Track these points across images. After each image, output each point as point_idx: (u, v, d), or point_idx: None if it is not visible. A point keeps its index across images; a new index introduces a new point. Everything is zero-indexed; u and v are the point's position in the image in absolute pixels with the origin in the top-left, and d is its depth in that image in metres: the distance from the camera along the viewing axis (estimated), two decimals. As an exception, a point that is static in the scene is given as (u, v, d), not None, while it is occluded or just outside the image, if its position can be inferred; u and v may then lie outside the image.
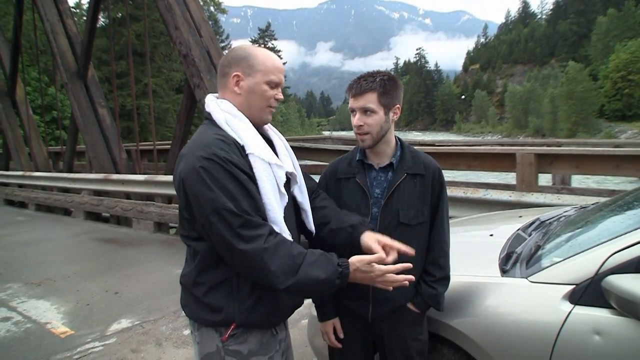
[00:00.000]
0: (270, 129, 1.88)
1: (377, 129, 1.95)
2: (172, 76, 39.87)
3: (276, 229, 1.60)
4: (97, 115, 11.17)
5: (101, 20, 39.26)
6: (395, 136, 2.09)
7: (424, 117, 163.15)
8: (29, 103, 14.90)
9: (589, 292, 1.92)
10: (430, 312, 2.16)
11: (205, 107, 1.75)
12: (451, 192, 5.00)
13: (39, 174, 12.94)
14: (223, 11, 56.78)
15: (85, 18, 18.39)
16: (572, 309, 1.92)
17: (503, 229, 3.02)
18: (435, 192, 2.05)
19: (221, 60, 1.76)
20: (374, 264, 1.64)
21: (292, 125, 70.84)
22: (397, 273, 1.66)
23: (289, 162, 1.80)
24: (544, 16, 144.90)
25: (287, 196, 1.70)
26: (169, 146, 9.85)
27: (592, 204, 3.41)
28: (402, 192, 1.99)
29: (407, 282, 1.67)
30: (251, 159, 1.61)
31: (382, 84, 1.92)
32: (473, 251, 2.71)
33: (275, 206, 1.62)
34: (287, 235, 1.64)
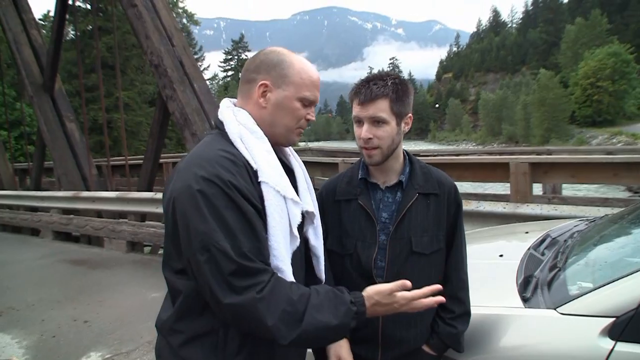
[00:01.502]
0: (292, 155, 1.58)
1: (388, 143, 1.64)
2: (145, 89, 39.25)
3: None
4: (65, 129, 10.72)
5: (71, 33, 38.80)
6: (403, 150, 1.79)
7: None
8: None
9: (633, 326, 1.64)
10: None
11: (219, 113, 1.45)
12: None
13: (4, 192, 12.37)
14: (196, 23, 56.37)
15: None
16: (613, 346, 1.64)
17: (512, 247, 2.76)
18: (451, 213, 1.75)
19: (247, 63, 1.47)
20: (395, 293, 1.38)
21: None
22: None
23: (308, 198, 1.50)
24: (514, 25, 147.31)
25: (299, 239, 1.39)
26: (142, 161, 9.45)
27: (601, 217, 3.18)
28: (414, 216, 1.69)
29: (437, 302, 1.43)
30: (264, 188, 1.30)
31: (395, 89, 1.62)
32: (484, 275, 2.41)
33: (282, 251, 1.30)
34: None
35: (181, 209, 1.22)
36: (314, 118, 1.48)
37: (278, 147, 1.48)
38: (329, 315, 1.26)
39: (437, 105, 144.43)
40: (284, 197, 1.32)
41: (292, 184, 1.41)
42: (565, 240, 2.57)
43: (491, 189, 10.25)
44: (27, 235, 11.43)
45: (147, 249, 8.89)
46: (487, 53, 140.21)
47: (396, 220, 1.68)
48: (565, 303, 1.82)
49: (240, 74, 1.48)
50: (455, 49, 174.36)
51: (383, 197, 1.74)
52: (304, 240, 1.50)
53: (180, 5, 51.86)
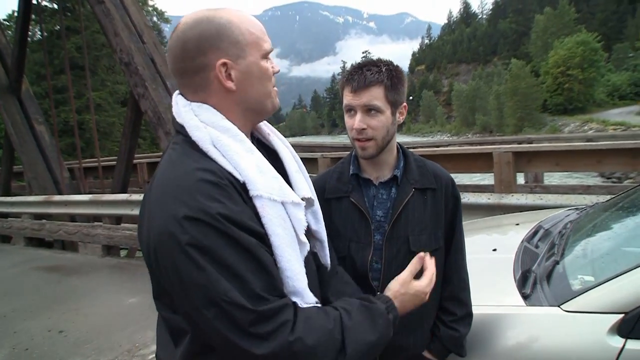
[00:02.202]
0: (272, 134, 1.33)
1: (383, 134, 1.52)
2: (117, 89, 38.55)
3: (298, 301, 1.09)
4: (34, 132, 10.37)
5: (38, 34, 37.85)
6: (396, 142, 1.67)
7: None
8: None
9: (643, 322, 1.56)
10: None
11: (174, 114, 1.16)
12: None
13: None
14: (166, 21, 55.58)
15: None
16: (624, 344, 1.55)
17: (505, 241, 2.67)
18: (449, 209, 1.64)
19: (175, 50, 1.12)
20: (414, 280, 1.32)
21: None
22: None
23: (302, 182, 1.26)
24: (484, 16, 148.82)
25: (308, 244, 1.17)
26: (115, 162, 9.19)
27: (592, 205, 3.12)
28: (410, 213, 1.56)
29: None
30: (258, 203, 1.06)
31: (390, 76, 1.49)
32: (480, 272, 2.29)
33: (297, 270, 1.09)
34: (311, 299, 1.14)
35: (169, 263, 0.98)
36: (278, 67, 1.23)
37: (256, 127, 1.27)
38: (369, 334, 1.12)
39: (410, 98, 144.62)
40: (283, 203, 1.10)
41: (280, 170, 1.20)
42: (559, 232, 2.48)
43: (468, 180, 10.23)
44: (-3, 242, 11.06)
45: (123, 253, 8.65)
46: (458, 44, 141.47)
47: (392, 219, 1.56)
48: (569, 300, 1.73)
49: (173, 69, 1.16)
50: (427, 41, 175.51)
51: (377, 193, 1.62)
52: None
53: (150, 3, 51.12)
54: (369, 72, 1.48)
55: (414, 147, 9.35)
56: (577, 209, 3.14)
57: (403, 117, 1.60)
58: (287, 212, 1.10)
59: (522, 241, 2.51)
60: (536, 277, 2.01)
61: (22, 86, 10.59)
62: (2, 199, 10.98)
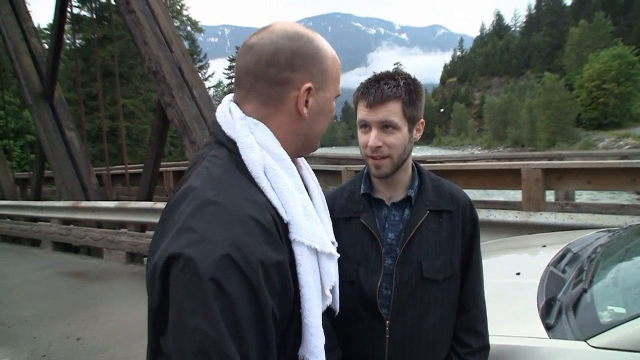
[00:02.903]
0: (304, 166, 1.20)
1: (399, 152, 1.41)
2: (150, 96, 39.19)
3: None
4: (64, 138, 10.56)
5: (77, 42, 38.84)
6: (412, 160, 1.56)
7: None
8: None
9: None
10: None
11: (222, 123, 1.03)
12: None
13: (3, 202, 12.21)
14: (200, 30, 56.55)
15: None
16: (658, 388, 1.41)
17: (530, 264, 2.52)
18: (467, 233, 1.51)
19: (264, 53, 0.99)
20: None
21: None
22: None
23: (329, 224, 1.17)
24: (517, 28, 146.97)
25: (330, 298, 1.06)
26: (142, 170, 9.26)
27: (624, 227, 2.94)
28: (424, 236, 1.45)
29: None
30: (297, 249, 0.94)
31: (408, 90, 1.40)
32: (501, 297, 2.17)
33: (320, 327, 0.97)
34: None
35: (179, 296, 0.81)
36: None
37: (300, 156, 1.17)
38: None
39: (441, 110, 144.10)
40: (316, 251, 0.98)
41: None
42: (588, 256, 2.33)
43: (498, 196, 9.99)
44: (26, 246, 11.24)
45: (146, 260, 8.69)
46: (491, 57, 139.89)
47: (404, 242, 1.44)
48: (597, 334, 1.60)
49: (248, 69, 1.02)
50: (459, 53, 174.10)
51: (389, 215, 1.50)
52: None
53: (185, 13, 52.07)
54: (386, 85, 1.39)
55: (440, 162, 9.19)
56: (609, 230, 2.97)
57: (420, 134, 1.50)
58: (319, 263, 1.00)
59: (548, 265, 2.37)
60: (561, 306, 1.88)
61: (54, 93, 10.81)
62: (33, 203, 11.19)
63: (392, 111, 1.38)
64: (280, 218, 0.93)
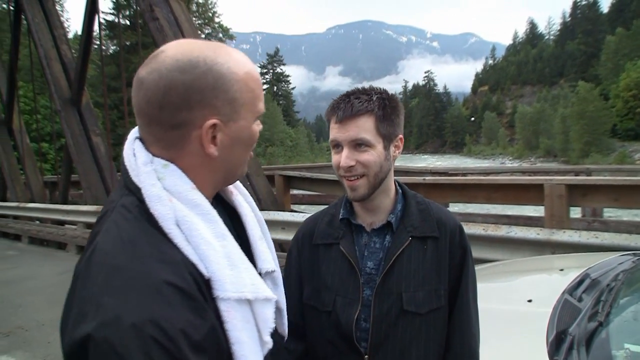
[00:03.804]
0: (236, 191, 1.10)
1: (375, 170, 1.30)
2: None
3: None
4: (90, 143, 10.72)
5: (112, 48, 39.72)
6: (395, 182, 1.44)
7: (434, 140, 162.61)
8: (25, 131, 14.50)
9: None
10: None
11: (127, 166, 0.91)
12: (469, 228, 4.36)
13: (32, 205, 12.46)
14: (231, 37, 57.18)
15: (96, 46, 18.21)
16: None
17: (544, 289, 2.37)
18: (455, 261, 1.37)
19: (153, 91, 0.86)
20: None
21: (302, 150, 70.31)
22: None
23: (265, 251, 1.06)
24: (551, 37, 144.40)
25: (271, 344, 0.94)
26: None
27: (650, 252, 2.76)
28: (405, 265, 1.33)
29: None
30: (223, 306, 0.84)
31: (382, 105, 1.30)
32: (508, 327, 2.03)
33: None
34: None
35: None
36: (261, 126, 1.01)
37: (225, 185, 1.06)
38: None
39: (472, 119, 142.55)
40: (249, 301, 0.88)
41: (238, 232, 1.03)
42: (608, 284, 2.17)
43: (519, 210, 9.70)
44: (53, 248, 11.40)
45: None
46: (523, 65, 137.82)
47: (383, 271, 1.32)
48: (609, 376, 1.45)
49: (141, 110, 0.89)
50: (491, 61, 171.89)
51: (369, 242, 1.39)
52: None
53: (217, 20, 52.78)
54: (357, 100, 1.29)
55: (463, 174, 8.97)
56: (634, 254, 2.78)
57: (399, 151, 1.38)
58: (253, 310, 0.89)
59: (563, 292, 2.21)
60: (573, 341, 1.73)
61: (82, 99, 11.00)
62: (60, 206, 11.41)
63: (364, 127, 1.28)
64: (201, 275, 0.83)
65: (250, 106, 0.93)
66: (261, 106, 0.96)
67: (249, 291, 0.87)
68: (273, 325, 0.93)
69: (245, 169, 1.02)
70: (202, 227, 0.86)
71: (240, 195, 1.11)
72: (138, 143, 0.92)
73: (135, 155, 0.90)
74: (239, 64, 0.92)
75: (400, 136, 1.36)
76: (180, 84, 0.85)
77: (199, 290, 0.80)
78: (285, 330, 1.16)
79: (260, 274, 0.99)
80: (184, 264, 0.81)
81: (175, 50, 0.88)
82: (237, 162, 0.96)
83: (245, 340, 0.86)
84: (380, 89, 1.35)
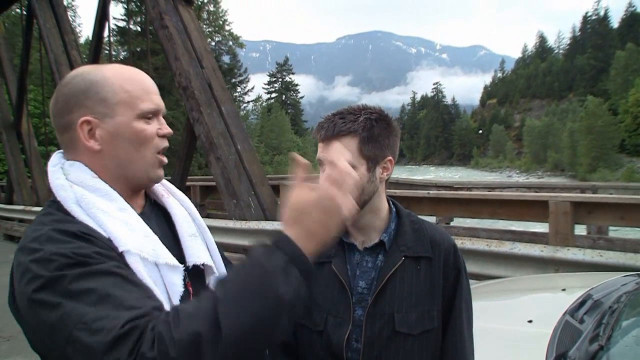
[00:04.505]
0: (166, 193, 1.22)
1: (355, 193, 1.29)
2: (189, 109, 39.93)
3: None
4: (97, 149, 10.76)
5: (122, 54, 40.03)
6: (388, 200, 1.43)
7: (441, 152, 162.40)
8: (34, 135, 14.60)
9: None
10: None
11: (49, 176, 1.08)
12: (472, 244, 4.32)
13: (38, 208, 12.48)
14: (241, 45, 57.48)
15: (106, 52, 18.33)
16: None
17: (545, 309, 2.33)
18: (449, 282, 1.35)
19: (52, 108, 1.09)
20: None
21: (309, 159, 69.16)
22: None
23: (198, 247, 1.16)
24: (561, 51, 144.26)
25: None
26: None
27: (655, 273, 2.72)
28: (398, 286, 1.31)
29: None
30: (129, 259, 0.95)
31: (367, 126, 1.28)
32: (506, 349, 2.00)
33: None
34: None
35: (29, 321, 0.90)
36: (169, 130, 1.11)
37: (149, 189, 1.18)
38: (249, 299, 0.81)
39: (480, 131, 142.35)
40: (157, 265, 1.00)
41: (172, 232, 1.15)
42: (610, 306, 2.13)
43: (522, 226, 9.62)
44: (57, 253, 11.45)
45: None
46: (532, 79, 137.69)
47: (375, 291, 1.31)
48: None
49: (53, 123, 1.10)
50: (500, 74, 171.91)
51: (361, 261, 1.37)
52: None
53: (227, 28, 53.09)
54: (341, 120, 1.29)
55: (467, 189, 8.94)
56: (638, 275, 2.74)
57: (388, 173, 1.36)
58: (162, 274, 1.01)
59: (564, 313, 2.18)
60: (573, 365, 1.70)
61: (91, 104, 11.07)
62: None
63: (345, 148, 1.25)
64: (102, 235, 0.95)
65: (128, 104, 1.05)
66: (144, 105, 1.07)
67: (147, 253, 0.98)
68: (181, 290, 1.02)
69: (157, 172, 1.12)
70: (100, 203, 1.00)
71: (172, 197, 1.22)
72: (58, 154, 1.12)
73: (50, 162, 1.10)
74: (115, 72, 1.08)
75: (390, 158, 1.34)
76: (62, 94, 1.06)
77: (100, 243, 0.93)
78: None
79: (188, 267, 1.10)
80: (81, 228, 0.95)
81: (69, 74, 1.10)
82: (127, 158, 1.06)
83: (152, 288, 0.95)
84: (373, 108, 1.33)
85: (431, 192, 5.53)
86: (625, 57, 78.05)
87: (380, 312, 1.30)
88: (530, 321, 2.17)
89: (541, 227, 8.37)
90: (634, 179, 45.39)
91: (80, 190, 1.01)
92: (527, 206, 4.89)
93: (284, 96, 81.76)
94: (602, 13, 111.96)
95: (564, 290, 2.59)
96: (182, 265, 1.06)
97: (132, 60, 32.41)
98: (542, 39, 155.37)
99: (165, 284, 1.00)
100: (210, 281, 1.17)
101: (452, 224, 8.43)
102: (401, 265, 1.32)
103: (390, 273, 1.31)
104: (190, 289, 1.09)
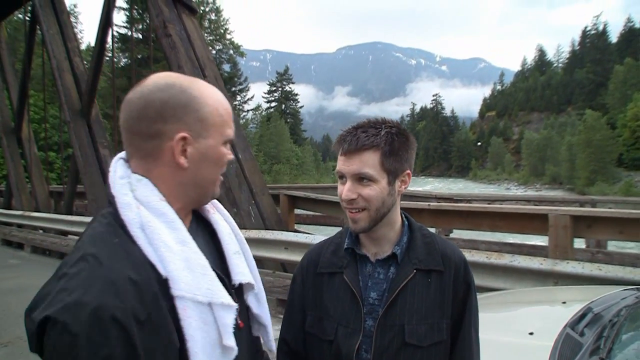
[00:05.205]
0: (212, 209, 1.23)
1: (377, 205, 1.31)
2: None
3: None
4: (98, 155, 10.80)
5: (123, 60, 40.20)
6: (401, 213, 1.45)
7: (440, 163, 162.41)
8: (34, 140, 14.62)
9: None
10: None
11: (109, 181, 1.05)
12: (472, 256, 4.34)
13: (37, 214, 12.50)
14: (242, 54, 57.78)
15: (107, 58, 18.44)
16: None
17: (546, 322, 2.35)
18: (459, 296, 1.37)
19: (133, 109, 1.02)
20: None
21: (308, 169, 70.34)
22: None
23: (242, 265, 1.18)
24: (560, 64, 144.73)
25: (236, 349, 1.03)
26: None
27: (654, 287, 2.74)
28: (409, 298, 1.33)
29: None
30: (179, 304, 0.95)
31: (389, 140, 1.30)
32: (508, 360, 2.02)
33: None
34: None
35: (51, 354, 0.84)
36: (232, 156, 1.15)
37: (199, 205, 1.17)
38: None
39: (479, 143, 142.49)
40: (210, 305, 0.98)
41: (216, 248, 1.16)
42: (610, 319, 2.16)
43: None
44: (56, 259, 11.42)
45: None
46: (531, 92, 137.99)
47: (386, 303, 1.32)
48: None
49: (124, 125, 1.05)
50: (499, 87, 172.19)
51: (373, 272, 1.38)
52: (246, 309, 1.22)
53: (228, 37, 53.35)
54: (363, 134, 1.30)
55: (467, 201, 8.97)
56: (638, 289, 2.77)
57: (406, 186, 1.38)
58: (214, 314, 0.99)
59: (565, 325, 2.20)
60: (574, 377, 1.72)
61: (92, 111, 11.10)
62: (64, 217, 11.43)
63: (368, 162, 1.28)
64: (159, 274, 0.94)
65: (219, 129, 1.07)
66: (229, 132, 1.10)
67: (202, 294, 0.97)
68: (232, 330, 1.01)
69: (217, 190, 1.14)
70: (164, 233, 0.98)
71: (218, 213, 1.23)
72: (120, 162, 1.08)
73: (116, 171, 1.06)
74: (211, 92, 1.08)
75: (408, 171, 1.36)
76: (157, 100, 1.00)
77: (154, 284, 0.91)
78: (272, 346, 1.27)
79: (234, 285, 1.13)
80: (143, 263, 0.93)
81: (157, 78, 1.05)
82: (206, 178, 1.08)
83: (198, 339, 0.95)
84: (392, 122, 1.36)
85: (432, 204, 5.56)
86: (623, 72, 78.40)
87: (391, 323, 1.32)
88: (531, 333, 2.19)
89: (539, 240, 8.40)
90: (631, 192, 45.47)
91: (146, 213, 0.98)
92: (527, 219, 4.91)
93: (283, 105, 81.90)
94: (600, 28, 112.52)
95: (564, 303, 2.61)
96: (235, 305, 1.04)
97: (134, 67, 32.70)
98: (542, 53, 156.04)
99: (218, 325, 0.99)
100: (249, 297, 1.20)
101: (451, 235, 8.47)
102: (412, 277, 1.34)
103: (402, 285, 1.33)
104: (241, 323, 1.10)
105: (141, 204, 0.99)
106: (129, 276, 0.88)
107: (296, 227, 8.96)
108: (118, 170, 1.05)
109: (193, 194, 1.08)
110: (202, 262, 1.01)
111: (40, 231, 12.39)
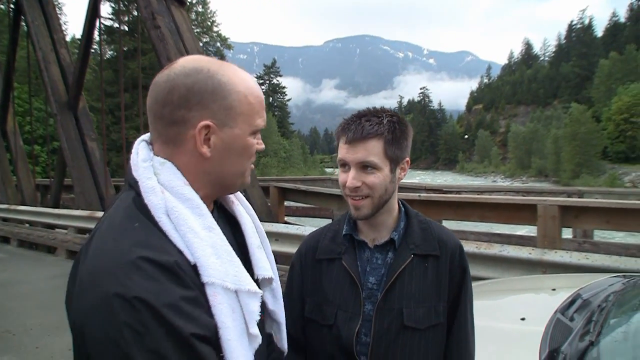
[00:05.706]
0: (236, 201, 1.20)
1: (380, 192, 1.34)
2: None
3: None
4: (85, 148, 10.72)
5: (109, 53, 39.72)
6: (399, 201, 1.48)
7: (427, 156, 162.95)
8: (19, 133, 14.45)
9: None
10: None
11: (131, 164, 1.01)
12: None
13: (23, 207, 12.39)
14: (229, 47, 57.37)
15: (94, 50, 18.24)
16: None
17: (537, 308, 2.40)
18: (454, 280, 1.40)
19: (159, 92, 0.97)
20: None
21: (295, 162, 70.33)
22: None
23: (263, 259, 1.14)
24: (546, 58, 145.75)
25: (260, 337, 1.01)
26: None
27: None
28: (407, 282, 1.36)
29: None
30: (209, 291, 0.92)
31: (392, 128, 1.33)
32: (501, 346, 2.06)
33: None
34: None
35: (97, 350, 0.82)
36: (263, 146, 1.11)
37: (226, 194, 1.15)
38: None
39: (466, 136, 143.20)
40: (236, 292, 0.96)
41: (238, 241, 1.12)
42: (599, 305, 2.21)
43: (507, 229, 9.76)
44: (42, 252, 11.33)
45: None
46: (518, 85, 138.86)
47: (385, 287, 1.36)
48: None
49: (150, 108, 1.01)
50: (486, 80, 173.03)
51: (371, 257, 1.42)
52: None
53: (215, 29, 52.97)
54: (367, 122, 1.32)
55: (457, 192, 9.04)
56: (624, 276, 2.83)
57: (405, 173, 1.42)
58: (240, 301, 0.97)
59: (555, 311, 2.25)
60: (565, 359, 1.76)
61: (79, 103, 11.01)
62: (51, 210, 11.34)
63: (372, 151, 1.31)
64: (187, 261, 0.91)
65: (248, 118, 1.02)
66: (260, 122, 1.05)
67: (230, 281, 0.94)
68: (258, 317, 0.98)
69: (247, 180, 1.09)
70: (190, 218, 0.94)
71: (241, 206, 1.20)
72: (143, 144, 1.04)
73: (138, 153, 1.02)
74: (241, 78, 1.02)
75: (407, 159, 1.40)
76: (182, 85, 0.95)
77: (181, 270, 0.88)
78: (284, 345, 1.24)
79: (257, 280, 1.08)
80: (167, 250, 0.89)
81: (185, 61, 1.00)
82: (231, 169, 1.04)
83: (230, 326, 0.92)
84: (391, 111, 1.38)
85: (422, 195, 5.61)
86: (609, 66, 79.15)
87: (389, 307, 1.35)
88: (523, 319, 2.24)
89: (526, 230, 8.49)
90: (615, 185, 46.06)
91: (171, 198, 0.95)
92: (516, 209, 4.97)
93: (271, 98, 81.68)
94: (586, 22, 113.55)
95: (554, 290, 2.67)
96: (261, 292, 1.01)
97: (121, 59, 32.37)
98: (528, 46, 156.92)
99: (244, 312, 0.97)
100: (265, 293, 1.15)
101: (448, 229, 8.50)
102: (410, 262, 1.37)
103: (400, 270, 1.36)
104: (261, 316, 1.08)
105: (165, 188, 0.96)
106: (151, 258, 0.85)
107: (285, 219, 8.98)
108: (140, 152, 1.02)
109: (217, 184, 1.05)
110: (228, 249, 0.98)
111: (27, 225, 12.28)
